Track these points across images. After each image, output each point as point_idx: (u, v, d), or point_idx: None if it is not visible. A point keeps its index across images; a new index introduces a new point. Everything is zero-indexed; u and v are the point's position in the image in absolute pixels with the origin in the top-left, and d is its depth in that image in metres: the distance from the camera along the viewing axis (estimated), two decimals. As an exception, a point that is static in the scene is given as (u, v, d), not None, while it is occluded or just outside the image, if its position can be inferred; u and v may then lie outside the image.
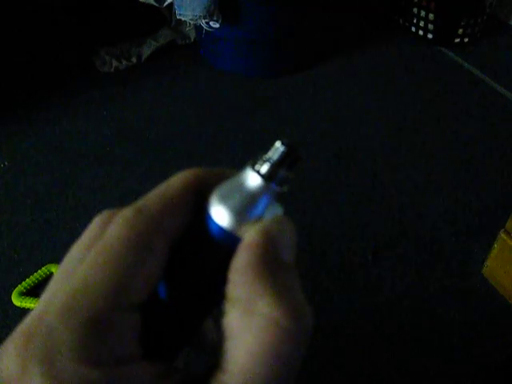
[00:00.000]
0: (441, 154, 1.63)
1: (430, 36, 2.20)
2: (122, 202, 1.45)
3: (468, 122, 1.77)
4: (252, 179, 0.22)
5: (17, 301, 1.17)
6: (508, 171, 1.56)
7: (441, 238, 1.35)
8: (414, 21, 2.23)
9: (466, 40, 2.20)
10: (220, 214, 0.22)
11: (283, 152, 0.22)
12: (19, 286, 1.20)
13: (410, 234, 1.36)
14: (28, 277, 1.22)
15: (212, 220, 0.22)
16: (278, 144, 0.22)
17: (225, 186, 0.22)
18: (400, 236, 1.35)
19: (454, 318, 1.17)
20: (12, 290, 1.19)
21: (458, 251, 1.31)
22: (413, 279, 1.25)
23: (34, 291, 1.21)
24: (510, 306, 1.18)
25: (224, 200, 0.22)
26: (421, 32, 2.23)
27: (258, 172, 0.22)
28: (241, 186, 0.22)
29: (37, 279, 1.22)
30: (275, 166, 0.22)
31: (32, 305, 1.16)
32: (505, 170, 1.57)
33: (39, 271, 1.23)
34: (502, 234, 1.15)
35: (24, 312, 1.16)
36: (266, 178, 0.22)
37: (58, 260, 1.27)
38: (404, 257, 1.30)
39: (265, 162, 0.22)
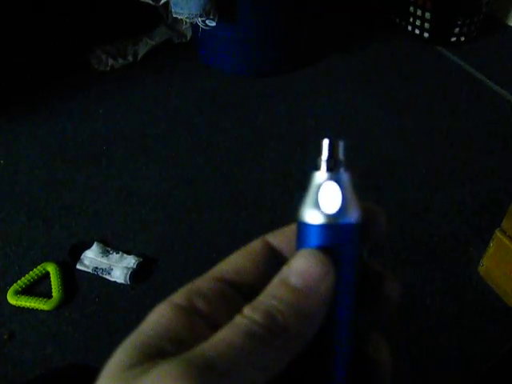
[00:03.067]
0: (437, 153, 1.64)
1: (426, 35, 2.20)
2: (118, 200, 1.45)
3: (464, 121, 1.77)
4: (322, 177, 0.25)
5: (12, 299, 1.17)
6: (503, 170, 1.56)
7: (437, 237, 1.35)
8: (411, 20, 2.23)
9: (463, 39, 2.20)
10: (319, 216, 0.24)
11: (328, 144, 0.26)
12: (15, 284, 1.20)
13: (407, 232, 1.36)
14: (24, 275, 1.22)
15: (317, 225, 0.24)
16: (324, 141, 0.26)
17: (308, 199, 0.25)
18: (397, 235, 1.35)
19: (450, 316, 1.17)
20: (8, 289, 1.19)
21: (455, 250, 1.32)
22: (409, 278, 1.25)
23: (30, 290, 1.21)
24: (505, 305, 1.18)
25: (317, 205, 0.24)
26: (417, 31, 2.23)
27: (323, 169, 0.25)
28: (317, 188, 0.25)
29: (32, 278, 1.21)
30: (329, 158, 0.26)
31: (27, 303, 1.16)
32: (500, 169, 1.57)
33: (35, 270, 1.23)
34: (498, 233, 1.15)
35: (20, 310, 1.16)
36: (330, 168, 0.25)
37: (53, 258, 1.27)
38: (400, 255, 1.30)
39: (321, 161, 0.26)
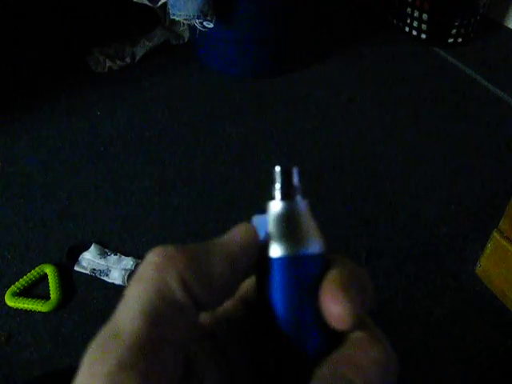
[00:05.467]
0: (434, 154, 1.64)
1: (423, 36, 2.21)
2: (116, 202, 1.45)
3: (461, 122, 1.78)
4: (278, 206, 0.24)
5: (10, 301, 1.16)
6: (501, 171, 1.57)
7: (435, 238, 1.35)
8: (408, 21, 2.24)
9: (460, 40, 2.21)
10: (284, 248, 0.23)
11: (281, 171, 0.25)
12: (12, 286, 1.19)
13: (405, 233, 1.36)
14: (21, 277, 1.21)
15: (286, 258, 0.23)
16: (276, 169, 0.25)
17: (271, 229, 0.24)
18: (394, 235, 1.36)
19: (447, 317, 1.17)
20: (5, 291, 1.19)
21: (452, 251, 1.32)
22: (406, 279, 1.25)
23: (28, 292, 1.21)
24: (503, 305, 1.19)
25: (280, 238, 0.23)
26: (414, 32, 2.23)
27: (279, 199, 0.24)
28: (276, 218, 0.24)
29: (30, 279, 1.21)
30: (284, 186, 0.24)
31: (25, 305, 1.16)
32: (498, 170, 1.57)
33: (33, 271, 1.23)
34: (495, 234, 1.16)
35: (17, 312, 1.16)
36: (286, 197, 0.24)
37: (51, 260, 1.27)
38: (398, 256, 1.30)
39: (276, 190, 0.25)
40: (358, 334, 0.23)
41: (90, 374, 0.19)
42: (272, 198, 0.24)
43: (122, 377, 0.18)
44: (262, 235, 0.24)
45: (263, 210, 0.25)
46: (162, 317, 0.20)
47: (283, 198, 0.24)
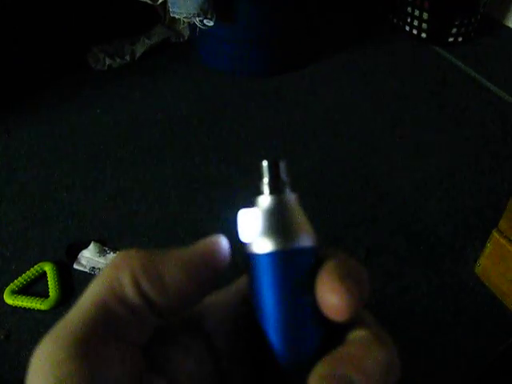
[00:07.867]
0: (434, 153, 1.64)
1: (423, 35, 2.21)
2: (114, 201, 1.45)
3: (462, 122, 1.78)
4: (266, 201, 0.24)
5: (9, 299, 1.16)
6: (501, 170, 1.57)
7: (434, 237, 1.35)
8: (408, 20, 2.23)
9: (460, 39, 2.21)
10: (271, 244, 0.22)
11: (268, 165, 0.24)
12: (11, 284, 1.19)
13: (404, 232, 1.36)
14: (20, 275, 1.21)
15: (278, 253, 0.22)
16: (263, 163, 0.25)
17: (261, 224, 0.23)
18: (393, 235, 1.36)
19: (446, 316, 1.17)
20: (4, 289, 1.18)
21: (452, 250, 1.32)
22: (406, 278, 1.25)
23: (27, 289, 1.20)
24: (502, 305, 1.19)
25: (270, 232, 0.23)
26: (415, 31, 2.23)
27: (268, 193, 0.24)
28: (265, 213, 0.23)
29: (29, 277, 1.21)
30: (272, 180, 0.24)
31: (24, 303, 1.15)
32: (498, 170, 1.57)
33: (31, 269, 1.23)
34: (495, 233, 1.16)
35: (16, 310, 1.16)
36: (274, 191, 0.24)
37: (50, 258, 1.27)
38: (397, 255, 1.30)
39: (263, 184, 0.24)
40: (360, 333, 0.23)
41: (37, 368, 0.20)
42: (260, 192, 0.24)
43: (67, 369, 0.19)
44: (250, 230, 0.23)
45: (251, 204, 0.24)
46: (111, 312, 0.21)
47: (272, 192, 0.24)
